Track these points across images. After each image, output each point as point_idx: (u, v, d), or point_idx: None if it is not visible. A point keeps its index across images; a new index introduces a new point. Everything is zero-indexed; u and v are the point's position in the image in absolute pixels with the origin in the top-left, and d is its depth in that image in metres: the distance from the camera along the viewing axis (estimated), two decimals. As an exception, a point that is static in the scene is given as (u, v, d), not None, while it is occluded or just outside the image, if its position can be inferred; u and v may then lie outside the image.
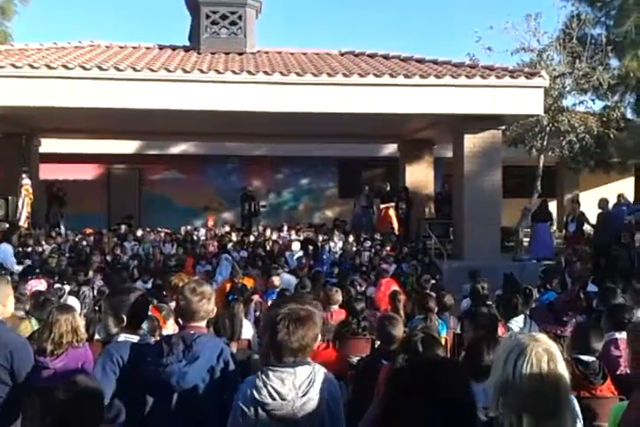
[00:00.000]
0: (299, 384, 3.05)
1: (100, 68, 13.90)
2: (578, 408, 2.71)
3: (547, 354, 2.49)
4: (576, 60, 19.02)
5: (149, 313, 6.18)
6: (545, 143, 19.65)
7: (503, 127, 16.14)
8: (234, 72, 14.15)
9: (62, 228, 18.64)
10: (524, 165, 21.08)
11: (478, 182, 15.24)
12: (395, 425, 3.20)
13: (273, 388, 3.04)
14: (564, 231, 21.35)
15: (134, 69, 13.99)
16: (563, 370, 2.51)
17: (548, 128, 19.21)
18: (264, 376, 3.10)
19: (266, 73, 14.21)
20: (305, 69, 14.72)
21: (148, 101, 14.04)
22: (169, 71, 14.06)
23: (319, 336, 3.27)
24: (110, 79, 13.88)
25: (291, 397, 3.03)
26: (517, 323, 7.44)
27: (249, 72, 14.19)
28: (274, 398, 3.04)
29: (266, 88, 14.21)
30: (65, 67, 13.83)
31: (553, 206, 26.14)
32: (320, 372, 3.16)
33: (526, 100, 14.66)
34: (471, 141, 15.27)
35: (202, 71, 14.11)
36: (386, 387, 3.50)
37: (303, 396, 3.05)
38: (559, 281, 11.73)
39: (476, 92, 14.56)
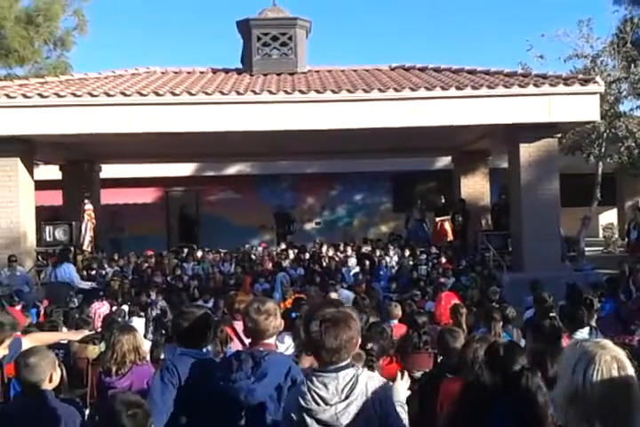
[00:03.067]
0: (341, 388, 3.07)
1: (157, 94, 14.22)
2: None
3: (616, 362, 2.42)
4: (631, 64, 18.70)
5: (220, 329, 6.31)
6: (603, 150, 19.31)
7: (559, 135, 15.88)
8: (286, 92, 14.32)
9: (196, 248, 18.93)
10: (583, 172, 20.71)
11: (536, 192, 15.00)
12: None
13: (316, 393, 3.07)
14: (625, 240, 20.86)
15: (190, 94, 14.27)
16: (633, 377, 2.44)
17: (605, 134, 18.88)
18: (309, 382, 3.14)
19: (317, 91, 14.34)
20: (356, 86, 14.81)
21: (205, 124, 14.29)
22: (223, 94, 14.31)
23: (358, 340, 3.23)
24: (167, 104, 14.20)
25: (334, 401, 3.05)
26: (582, 335, 7.27)
27: (301, 91, 14.34)
28: (317, 404, 3.07)
29: (318, 106, 14.34)
30: (123, 94, 14.20)
31: (613, 214, 25.63)
32: (364, 375, 3.15)
33: (582, 107, 14.41)
34: (527, 151, 15.05)
35: (255, 93, 14.31)
36: (461, 397, 3.49)
37: (345, 399, 3.06)
38: (623, 290, 11.47)
39: (530, 101, 14.39)
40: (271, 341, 4.09)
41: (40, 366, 4.01)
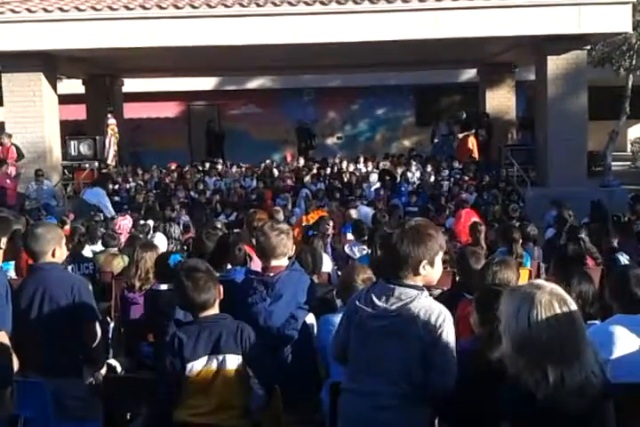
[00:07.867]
0: (392, 302, 3.03)
1: (176, 7, 14.03)
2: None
3: (556, 299, 2.47)
4: (668, -31, 17.77)
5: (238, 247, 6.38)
6: (634, 62, 18.67)
7: (588, 47, 15.38)
8: (306, 3, 13.95)
9: (221, 162, 19.05)
10: (612, 85, 20.13)
11: (563, 106, 14.70)
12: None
13: (370, 297, 3.09)
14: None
15: (209, 6, 14.03)
16: (576, 311, 2.50)
17: (636, 46, 18.20)
18: (371, 287, 3.19)
19: (339, 2, 13.90)
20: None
21: (224, 38, 14.08)
22: (242, 6, 14.02)
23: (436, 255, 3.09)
24: (186, 17, 14.02)
25: (381, 309, 3.04)
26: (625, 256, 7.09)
27: (322, 3, 13.93)
28: (367, 306, 3.09)
29: (339, 18, 13.96)
30: (142, 7, 14.06)
31: (642, 128, 25.04)
32: (423, 301, 3.02)
33: (613, 18, 13.81)
34: (554, 63, 14.68)
35: (275, 4, 13.98)
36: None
37: (391, 312, 3.02)
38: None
39: (560, 11, 13.82)
40: (281, 263, 4.06)
41: (45, 237, 4.09)
